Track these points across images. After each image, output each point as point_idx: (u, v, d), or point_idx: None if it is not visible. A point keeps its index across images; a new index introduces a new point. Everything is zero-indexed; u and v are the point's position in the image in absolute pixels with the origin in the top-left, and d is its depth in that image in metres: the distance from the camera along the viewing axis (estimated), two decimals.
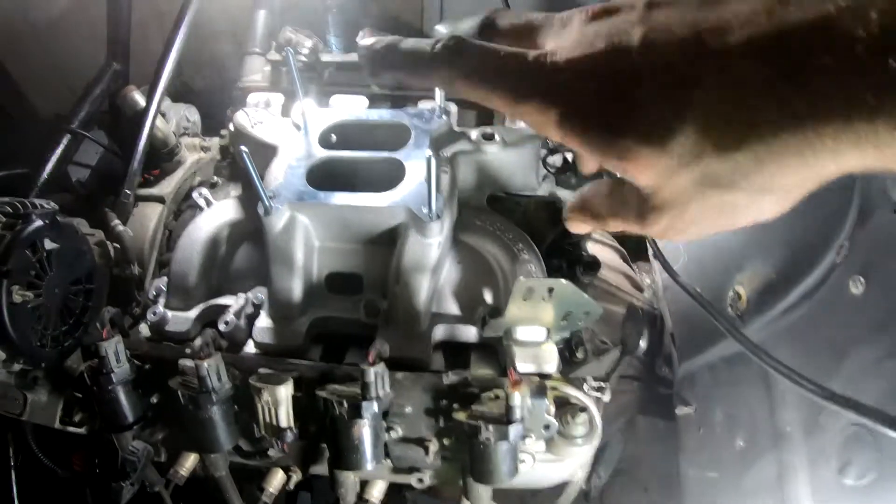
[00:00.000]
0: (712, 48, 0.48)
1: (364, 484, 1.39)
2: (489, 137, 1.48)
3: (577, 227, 0.75)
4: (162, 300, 1.44)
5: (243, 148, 1.18)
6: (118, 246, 1.62)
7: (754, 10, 0.46)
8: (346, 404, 1.14)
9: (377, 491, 1.39)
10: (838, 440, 1.37)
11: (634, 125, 0.53)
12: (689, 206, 0.56)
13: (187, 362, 1.27)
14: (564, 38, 0.57)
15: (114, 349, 1.27)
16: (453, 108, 1.74)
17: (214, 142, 1.92)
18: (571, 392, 1.29)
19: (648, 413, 1.99)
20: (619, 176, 0.62)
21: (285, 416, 1.23)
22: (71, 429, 1.47)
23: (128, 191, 1.71)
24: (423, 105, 1.73)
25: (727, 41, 0.47)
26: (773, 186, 0.52)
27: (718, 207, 0.56)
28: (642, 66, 0.51)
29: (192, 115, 2.02)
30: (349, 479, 1.30)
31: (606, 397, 1.36)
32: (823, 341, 1.43)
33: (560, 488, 1.50)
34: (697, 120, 0.49)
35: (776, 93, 0.46)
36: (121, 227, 1.64)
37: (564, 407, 1.30)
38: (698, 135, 0.50)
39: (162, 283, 1.46)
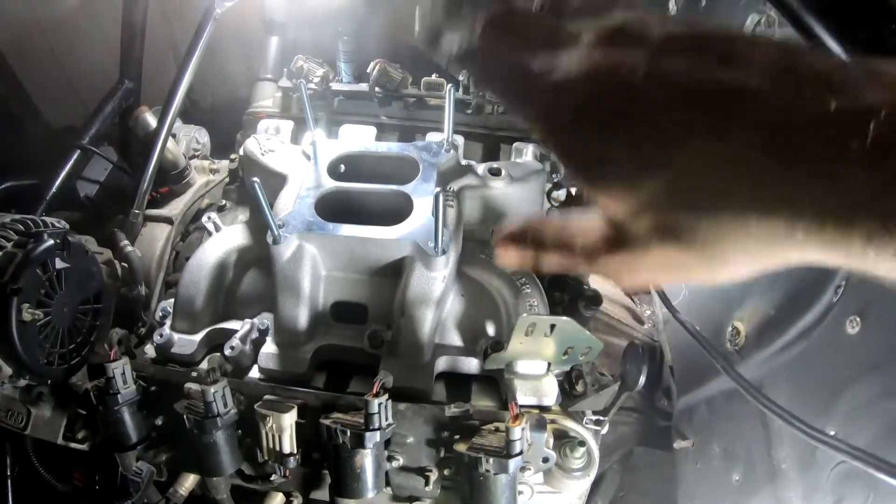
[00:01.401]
0: (713, 113, 0.48)
1: None
2: (496, 173, 1.51)
3: (504, 256, 0.71)
4: (168, 322, 1.46)
5: (255, 180, 1.20)
6: (126, 265, 1.64)
7: (754, 86, 0.47)
8: (349, 434, 1.16)
9: None
10: (833, 477, 1.38)
11: (618, 158, 0.54)
12: (644, 253, 0.57)
13: (193, 386, 1.29)
14: (574, 56, 0.57)
15: (121, 370, 1.29)
16: (460, 140, 1.77)
17: (223, 164, 1.94)
18: (570, 425, 1.31)
19: (647, 444, 2.00)
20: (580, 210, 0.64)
21: (289, 443, 1.25)
22: (74, 445, 1.48)
23: (137, 210, 1.73)
24: (431, 137, 1.75)
25: (729, 110, 0.48)
26: (730, 259, 0.52)
27: (671, 263, 0.56)
28: (640, 107, 0.52)
29: (202, 137, 2.05)
30: None
31: (604, 430, 1.38)
32: (820, 379, 1.45)
33: None
34: (679, 173, 0.50)
35: (762, 172, 0.46)
36: (129, 248, 1.66)
37: (563, 439, 1.31)
38: (675, 186, 0.51)
39: (168, 304, 1.48)
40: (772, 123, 0.46)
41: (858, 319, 1.36)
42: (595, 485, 2.11)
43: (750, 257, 0.51)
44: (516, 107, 0.61)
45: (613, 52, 0.54)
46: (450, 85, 1.48)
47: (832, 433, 1.34)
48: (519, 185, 1.51)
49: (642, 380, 1.25)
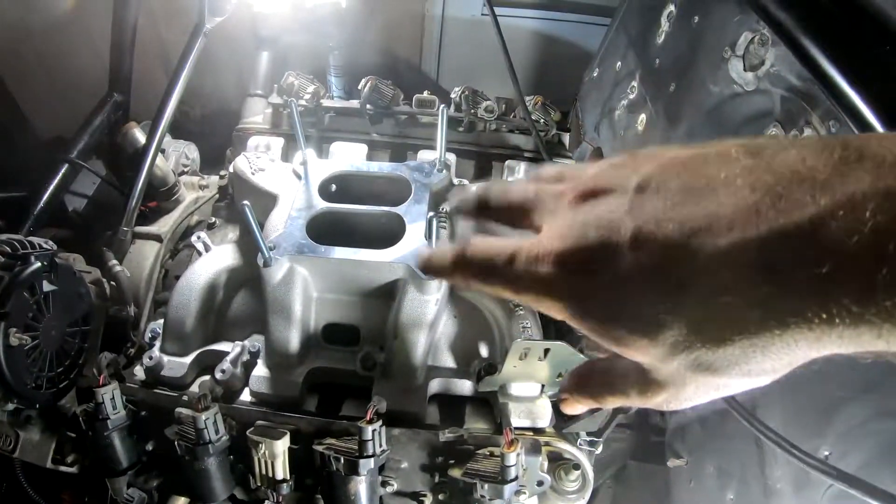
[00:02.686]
0: (699, 252, 0.49)
1: None
2: None
3: (572, 409, 0.73)
4: (158, 344, 1.44)
5: (246, 203, 1.19)
6: (114, 284, 1.62)
7: (740, 209, 0.48)
8: (343, 461, 1.15)
9: None
10: (827, 496, 1.38)
11: (627, 319, 0.54)
12: (685, 386, 0.58)
13: (184, 411, 1.27)
14: (555, 224, 0.58)
15: (110, 396, 1.27)
16: (452, 158, 1.76)
17: (213, 180, 1.93)
18: (565, 447, 1.31)
19: (640, 458, 2.00)
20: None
21: (282, 469, 1.24)
22: (62, 468, 1.46)
23: (125, 228, 1.71)
24: (423, 156, 1.74)
25: (714, 245, 0.48)
26: (761, 370, 0.52)
27: (713, 386, 0.57)
28: (633, 265, 0.52)
29: (191, 152, 2.03)
30: None
31: (599, 450, 1.37)
32: (813, 399, 1.44)
33: None
34: (687, 318, 0.51)
35: (762, 299, 0.47)
36: (118, 267, 1.64)
37: (558, 462, 1.31)
38: (688, 330, 0.51)
39: (158, 325, 1.46)
40: (759, 244, 0.46)
41: None
42: (589, 500, 2.11)
43: (779, 363, 0.50)
44: (522, 296, 0.60)
45: (593, 209, 0.56)
46: (442, 105, 1.48)
47: (826, 453, 1.34)
48: None
49: None
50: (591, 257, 0.54)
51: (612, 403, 0.68)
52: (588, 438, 1.37)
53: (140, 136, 1.79)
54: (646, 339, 0.54)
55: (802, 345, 0.47)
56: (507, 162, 1.83)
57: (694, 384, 0.57)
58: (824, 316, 0.44)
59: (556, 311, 0.58)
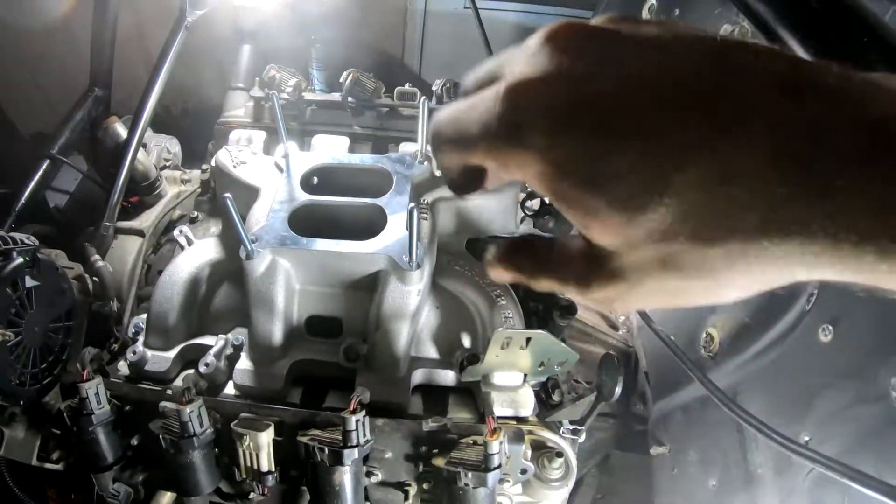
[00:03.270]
0: (710, 137, 0.44)
1: None
2: None
3: (497, 274, 0.65)
4: (141, 339, 1.44)
5: (227, 196, 1.19)
6: (97, 280, 1.62)
7: (767, 96, 0.44)
8: (327, 451, 1.16)
9: None
10: (808, 481, 1.40)
11: (611, 188, 0.48)
12: (642, 283, 0.52)
13: (169, 405, 1.27)
14: (520, 64, 0.51)
15: (94, 391, 1.27)
16: None
17: (195, 174, 1.93)
18: (548, 436, 1.32)
19: (623, 448, 2.02)
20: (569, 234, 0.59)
21: (266, 461, 1.24)
22: (48, 465, 1.46)
23: (107, 223, 1.71)
24: (405, 148, 1.75)
25: (729, 136, 0.43)
26: (735, 283, 0.48)
27: (671, 290, 0.51)
28: (631, 130, 0.46)
29: (173, 146, 2.03)
30: None
31: (582, 439, 1.39)
32: (793, 386, 1.46)
33: None
34: (678, 203, 0.45)
35: (771, 192, 0.43)
36: (100, 262, 1.64)
37: (541, 450, 1.32)
38: (675, 218, 0.46)
39: (141, 320, 1.46)
40: (778, 139, 0.42)
41: (831, 328, 1.38)
42: (573, 489, 2.12)
43: (756, 280, 0.47)
44: (486, 153, 0.53)
45: (582, 52, 0.49)
46: (423, 97, 1.48)
47: (806, 439, 1.36)
48: (493, 196, 1.51)
49: (618, 390, 1.26)
50: (599, 100, 0.47)
51: (541, 284, 0.60)
52: (571, 427, 1.38)
53: (121, 131, 1.78)
54: (623, 218, 0.48)
55: (795, 262, 0.44)
56: None
57: (653, 284, 0.51)
58: (831, 230, 0.42)
59: (529, 169, 0.51)
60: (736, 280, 0.48)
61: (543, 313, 1.51)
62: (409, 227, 1.21)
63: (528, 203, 1.56)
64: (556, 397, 1.39)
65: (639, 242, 0.49)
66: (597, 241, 0.52)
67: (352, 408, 1.17)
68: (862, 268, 0.42)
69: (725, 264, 0.46)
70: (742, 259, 0.46)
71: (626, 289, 0.53)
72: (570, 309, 1.50)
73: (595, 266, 0.54)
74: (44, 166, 1.92)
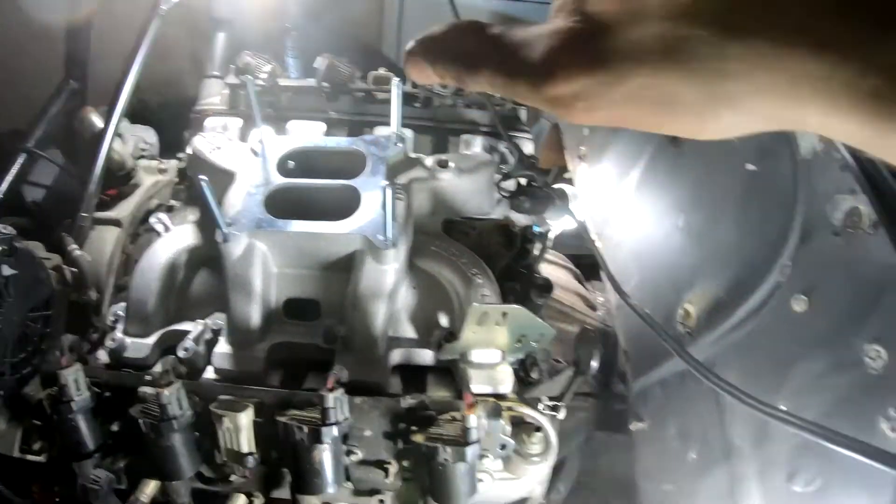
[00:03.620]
0: None
1: None
2: (444, 165, 1.52)
3: (415, 69, 0.54)
4: (120, 326, 1.44)
5: (202, 178, 1.19)
6: (75, 270, 1.62)
7: None
8: (306, 430, 1.17)
9: None
10: (786, 449, 1.42)
11: None
12: (630, 76, 0.42)
13: (148, 390, 1.27)
14: None
15: (74, 377, 1.27)
16: (409, 133, 1.77)
17: (172, 164, 1.92)
18: (526, 412, 1.33)
19: (605, 428, 2.03)
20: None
21: (247, 442, 1.25)
22: (30, 457, 1.45)
23: (84, 214, 1.70)
24: (380, 132, 1.76)
25: None
26: (734, 102, 0.40)
27: (658, 98, 0.42)
28: None
29: (149, 137, 2.02)
30: None
31: (561, 415, 1.40)
32: (769, 357, 1.48)
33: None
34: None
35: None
36: (78, 252, 1.63)
37: (520, 426, 1.33)
38: None
39: (120, 308, 1.46)
40: None
41: (804, 297, 1.39)
42: (556, 470, 2.14)
43: (760, 105, 0.40)
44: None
45: None
46: (397, 79, 1.49)
47: (783, 408, 1.38)
48: (468, 177, 1.53)
49: (595, 364, 1.27)
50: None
51: (478, 77, 0.49)
52: (550, 403, 1.39)
53: (97, 121, 1.77)
54: None
55: (814, 93, 0.37)
56: (463, 137, 1.85)
57: (639, 80, 0.42)
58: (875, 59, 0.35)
59: None
60: (736, 98, 0.40)
61: (520, 292, 1.53)
62: (384, 205, 1.22)
63: (504, 184, 1.57)
64: (534, 375, 1.40)
65: (649, 13, 0.41)
66: (593, 6, 0.44)
67: (329, 385, 1.18)
68: (883, 115, 0.35)
69: (735, 68, 0.39)
70: (756, 67, 0.38)
71: (604, 82, 0.43)
72: (546, 287, 1.51)
73: (571, 45, 0.44)
74: (20, 161, 1.91)
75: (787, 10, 0.36)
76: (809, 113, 0.38)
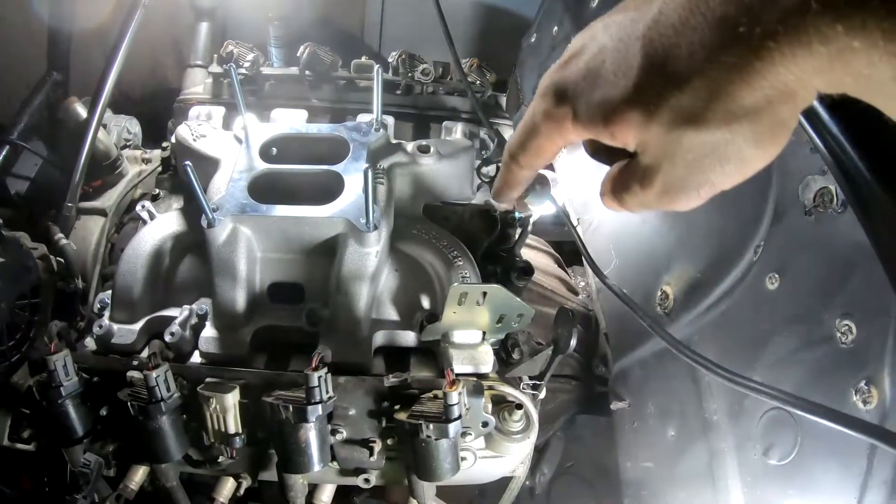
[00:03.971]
0: None
1: (313, 489, 1.43)
2: (425, 150, 1.54)
3: (611, 203, 0.76)
4: (107, 313, 1.44)
5: (187, 163, 1.21)
6: (62, 260, 1.63)
7: None
8: (291, 409, 1.18)
9: (325, 495, 1.44)
10: (762, 424, 1.45)
11: (602, 91, 0.61)
12: (674, 156, 0.59)
13: (135, 374, 1.29)
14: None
15: (62, 363, 1.27)
16: (390, 120, 1.79)
17: (156, 153, 1.93)
18: (507, 390, 1.35)
19: (587, 411, 2.06)
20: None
21: (233, 423, 1.27)
22: (20, 445, 1.46)
23: (70, 204, 1.72)
24: (362, 118, 1.77)
25: None
26: (738, 109, 0.53)
27: (701, 150, 0.58)
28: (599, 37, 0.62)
29: (133, 126, 2.03)
30: (298, 483, 1.34)
31: (542, 395, 1.42)
32: (745, 334, 1.51)
33: (504, 486, 1.56)
34: (646, 59, 0.55)
35: (710, 8, 0.49)
36: (64, 241, 1.65)
37: (501, 404, 1.36)
38: (648, 74, 0.55)
39: (106, 296, 1.47)
40: None
41: (777, 276, 1.43)
42: (540, 453, 2.17)
43: (751, 96, 0.52)
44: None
45: None
46: (377, 66, 1.51)
47: (757, 380, 1.41)
48: (448, 162, 1.55)
49: (574, 342, 1.29)
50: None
51: (630, 201, 0.71)
52: (531, 382, 1.42)
53: (81, 110, 1.78)
54: (624, 104, 0.59)
55: (769, 63, 0.48)
56: (444, 123, 1.87)
57: (682, 151, 0.59)
58: (797, 31, 0.46)
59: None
60: (735, 105, 0.53)
61: (501, 275, 1.55)
62: (365, 189, 1.24)
63: (485, 170, 1.60)
64: (515, 355, 1.43)
65: (647, 120, 0.58)
66: (626, 144, 0.64)
67: (314, 365, 1.20)
68: (830, 41, 0.45)
69: (714, 88, 0.52)
70: (723, 76, 0.51)
71: (668, 171, 0.62)
72: (526, 270, 1.54)
73: (639, 167, 0.65)
74: (3, 152, 1.92)
75: (717, 28, 0.51)
76: (790, 80, 0.49)
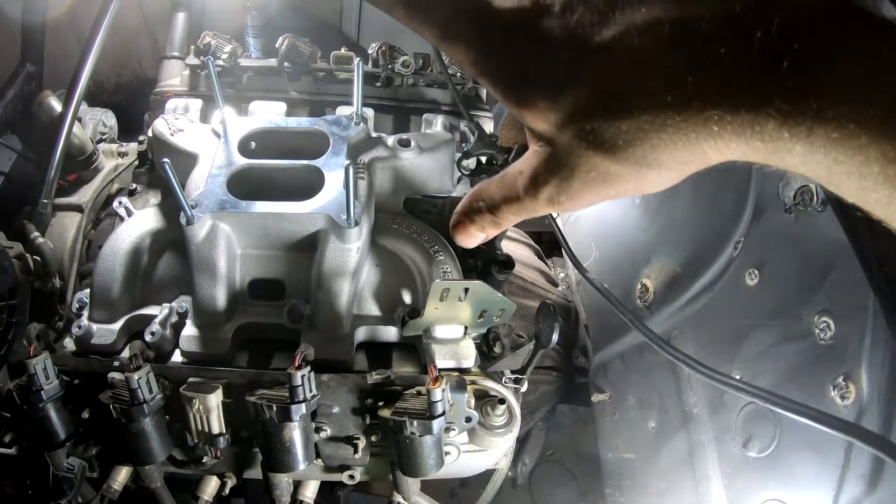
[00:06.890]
0: (619, 21, 0.51)
1: (297, 485, 1.43)
2: (405, 144, 1.53)
3: (465, 235, 0.78)
4: (86, 313, 1.43)
5: (166, 160, 1.19)
6: (38, 258, 1.60)
7: None
8: (275, 408, 1.18)
9: (310, 491, 1.44)
10: (741, 417, 1.47)
11: (535, 78, 0.58)
12: (575, 169, 0.59)
13: (117, 375, 1.27)
14: None
15: (42, 366, 1.25)
16: (370, 113, 1.78)
17: (132, 147, 1.90)
18: (490, 385, 1.36)
19: (568, 401, 2.08)
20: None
21: (217, 423, 1.26)
22: (1, 450, 1.43)
23: (45, 200, 1.69)
24: (341, 111, 1.76)
25: (634, 18, 0.50)
26: (654, 161, 0.54)
27: (603, 175, 0.58)
28: (557, 26, 0.55)
29: (108, 119, 2.00)
30: (283, 481, 1.35)
31: (524, 388, 1.43)
32: (724, 328, 1.53)
33: (487, 477, 1.57)
34: (593, 82, 0.54)
35: (670, 72, 0.49)
36: (40, 240, 1.62)
37: (484, 399, 1.36)
38: (590, 95, 0.54)
39: (84, 295, 1.45)
40: (673, 30, 0.49)
41: (756, 272, 1.45)
42: (522, 443, 2.19)
43: (672, 157, 0.53)
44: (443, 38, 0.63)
45: None
46: (358, 59, 1.50)
47: (737, 377, 1.43)
48: (429, 155, 1.54)
49: (555, 336, 1.30)
50: (523, 15, 0.57)
51: (503, 214, 0.71)
52: (512, 376, 1.42)
53: (56, 105, 1.75)
54: (547, 101, 0.57)
55: (702, 136, 0.49)
56: (424, 115, 1.86)
57: (584, 168, 0.59)
58: (729, 99, 0.47)
59: (467, 62, 0.63)
60: (654, 157, 0.53)
61: (482, 269, 1.55)
62: (346, 184, 1.23)
63: (465, 162, 1.59)
64: (497, 349, 1.43)
65: (564, 123, 0.57)
66: (534, 130, 0.62)
67: (297, 364, 1.20)
68: (764, 136, 0.47)
69: (640, 136, 0.52)
70: (653, 131, 0.51)
71: (564, 181, 0.61)
72: (507, 263, 1.54)
73: (537, 165, 0.63)
74: None
75: (651, 82, 0.51)
76: (708, 152, 0.51)
